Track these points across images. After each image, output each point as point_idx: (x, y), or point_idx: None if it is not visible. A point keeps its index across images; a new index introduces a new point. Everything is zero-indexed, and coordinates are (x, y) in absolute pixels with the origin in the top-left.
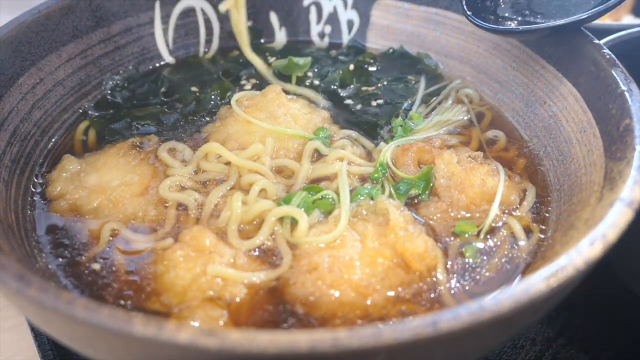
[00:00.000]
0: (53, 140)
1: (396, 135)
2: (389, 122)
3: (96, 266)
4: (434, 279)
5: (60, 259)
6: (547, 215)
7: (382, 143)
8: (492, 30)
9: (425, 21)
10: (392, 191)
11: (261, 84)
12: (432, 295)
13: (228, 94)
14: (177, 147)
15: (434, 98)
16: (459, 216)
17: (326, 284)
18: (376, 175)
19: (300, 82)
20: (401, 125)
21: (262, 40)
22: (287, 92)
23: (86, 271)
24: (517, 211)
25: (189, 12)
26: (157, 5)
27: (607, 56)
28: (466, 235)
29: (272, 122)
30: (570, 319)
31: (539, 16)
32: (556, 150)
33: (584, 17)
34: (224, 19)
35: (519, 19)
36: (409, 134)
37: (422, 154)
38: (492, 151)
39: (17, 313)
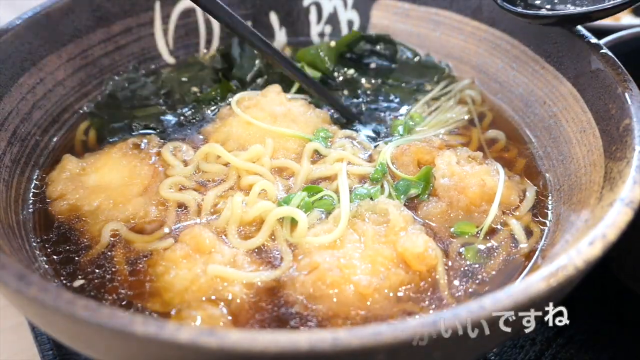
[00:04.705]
0: (53, 140)
1: (396, 135)
2: (390, 122)
3: (96, 266)
4: (434, 279)
5: (61, 259)
6: (547, 215)
7: (381, 143)
8: (523, 15)
9: (425, 21)
10: (392, 191)
11: (262, 84)
12: (432, 295)
13: (228, 94)
14: (181, 147)
15: (436, 98)
16: (459, 216)
17: (326, 284)
18: (376, 175)
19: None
20: (401, 125)
21: None
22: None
23: (86, 271)
24: (517, 211)
25: (189, 12)
26: (157, 5)
27: (607, 56)
28: (466, 236)
29: (272, 123)
30: (570, 319)
31: (569, 4)
32: (556, 150)
33: (618, 2)
34: None
35: (548, 6)
36: (407, 133)
37: (422, 154)
38: (492, 151)
39: (17, 313)
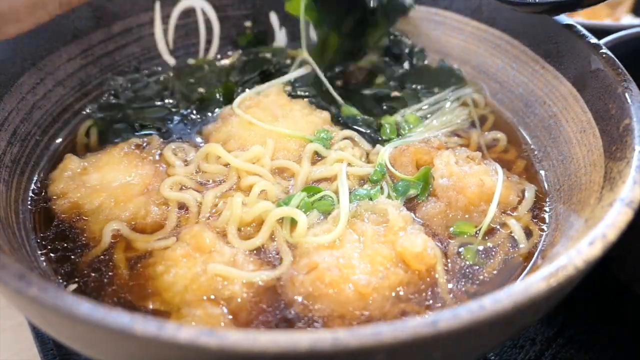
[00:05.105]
0: (54, 140)
1: (384, 133)
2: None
3: (97, 266)
4: (433, 278)
5: (61, 259)
6: (547, 215)
7: (378, 145)
8: (512, 3)
9: (425, 21)
10: (391, 192)
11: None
12: (431, 294)
13: (230, 95)
14: (182, 147)
15: (437, 100)
16: (458, 216)
17: (325, 284)
18: (375, 176)
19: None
20: (389, 124)
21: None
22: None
23: (87, 271)
24: (516, 211)
25: (189, 12)
26: (157, 5)
27: (607, 56)
28: (465, 236)
29: (273, 123)
30: (570, 319)
31: None
32: (556, 150)
33: None
34: (224, 19)
35: None
36: (395, 135)
37: (421, 155)
38: (491, 152)
39: (17, 313)
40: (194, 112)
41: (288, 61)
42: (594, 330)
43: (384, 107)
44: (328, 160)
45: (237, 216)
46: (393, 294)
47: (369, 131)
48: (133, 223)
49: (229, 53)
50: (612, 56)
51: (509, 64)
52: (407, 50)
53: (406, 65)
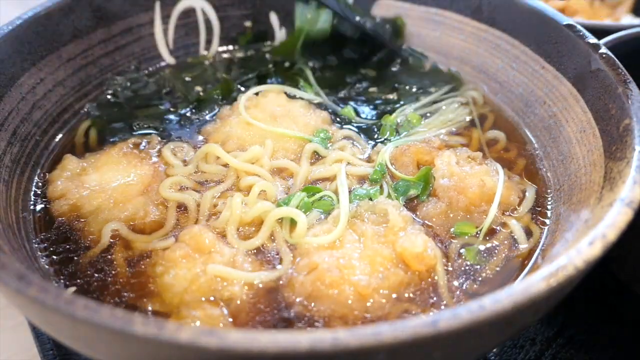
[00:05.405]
0: (54, 140)
1: (383, 133)
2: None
3: (96, 266)
4: (433, 279)
5: (61, 259)
6: (547, 215)
7: (379, 144)
8: None
9: (425, 21)
10: (391, 192)
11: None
12: (432, 295)
13: (229, 94)
14: (182, 147)
15: (438, 100)
16: (459, 217)
17: (325, 285)
18: (375, 176)
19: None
20: (391, 124)
21: (265, 44)
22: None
23: (86, 271)
24: (517, 212)
25: (189, 12)
26: (157, 5)
27: (607, 56)
28: (466, 237)
29: (272, 123)
30: (570, 319)
31: None
32: (556, 150)
33: None
34: (224, 19)
35: None
36: (394, 134)
37: (421, 155)
38: (492, 152)
39: (17, 313)
40: (193, 111)
41: (287, 63)
42: (594, 330)
43: (383, 108)
44: (327, 160)
45: (237, 216)
46: (393, 294)
47: (368, 131)
48: (132, 223)
49: (229, 53)
50: (612, 56)
51: (509, 64)
52: (403, 53)
53: (401, 67)
